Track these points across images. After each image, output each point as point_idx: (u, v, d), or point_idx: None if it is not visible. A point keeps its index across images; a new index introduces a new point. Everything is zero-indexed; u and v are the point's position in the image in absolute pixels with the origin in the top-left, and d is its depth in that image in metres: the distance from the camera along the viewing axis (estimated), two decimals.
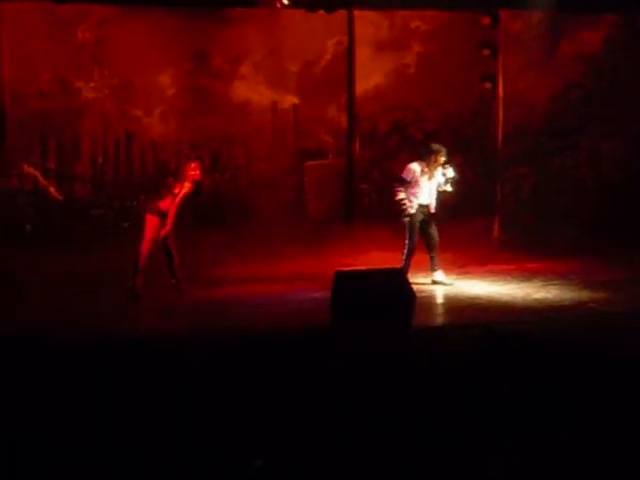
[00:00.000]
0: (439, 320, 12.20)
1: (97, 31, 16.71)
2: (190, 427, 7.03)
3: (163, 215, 12.72)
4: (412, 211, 13.63)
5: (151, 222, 12.83)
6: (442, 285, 13.81)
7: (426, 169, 13.65)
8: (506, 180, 18.08)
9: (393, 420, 7.09)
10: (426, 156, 13.72)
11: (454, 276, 14.31)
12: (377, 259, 13.77)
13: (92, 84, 16.94)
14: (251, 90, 17.46)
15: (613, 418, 7.11)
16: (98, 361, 8.99)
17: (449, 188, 13.71)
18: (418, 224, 13.70)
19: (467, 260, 14.46)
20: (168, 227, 12.68)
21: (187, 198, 12.82)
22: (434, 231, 13.83)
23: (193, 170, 12.81)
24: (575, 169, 18.48)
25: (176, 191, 12.70)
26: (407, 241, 13.71)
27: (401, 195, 13.61)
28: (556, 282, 13.88)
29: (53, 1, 16.12)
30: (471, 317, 11.91)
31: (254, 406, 7.48)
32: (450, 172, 13.63)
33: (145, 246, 12.84)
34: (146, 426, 7.08)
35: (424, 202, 13.71)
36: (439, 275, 13.94)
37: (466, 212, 14.72)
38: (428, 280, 13.85)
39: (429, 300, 13.07)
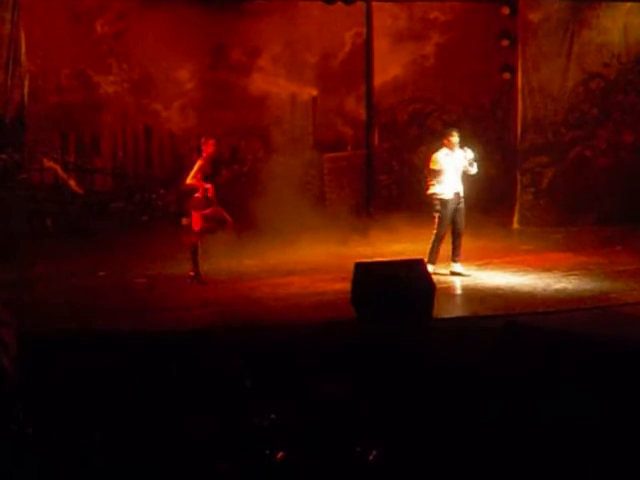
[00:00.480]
0: (460, 311, 12.21)
1: (116, 25, 16.74)
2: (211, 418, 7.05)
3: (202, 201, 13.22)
4: (445, 197, 13.67)
5: (195, 217, 13.22)
6: (460, 276, 13.80)
7: (448, 152, 13.74)
8: (525, 171, 18.01)
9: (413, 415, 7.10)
10: (441, 142, 13.91)
11: (475, 267, 14.30)
12: (397, 250, 13.76)
13: (111, 78, 16.98)
14: (270, 82, 17.46)
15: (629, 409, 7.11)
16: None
17: (473, 169, 13.75)
18: (450, 213, 13.74)
19: (487, 251, 14.42)
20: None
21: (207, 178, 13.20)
22: (462, 220, 13.88)
23: (204, 144, 13.22)
24: (595, 159, 18.38)
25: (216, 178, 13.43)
26: (436, 229, 13.74)
27: (433, 189, 13.71)
28: (576, 273, 13.86)
29: None
30: (492, 308, 11.93)
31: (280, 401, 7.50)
32: (469, 153, 13.71)
33: (194, 238, 13.27)
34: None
35: (456, 189, 13.77)
36: (458, 267, 13.94)
37: (486, 203, 14.68)
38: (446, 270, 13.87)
39: (449, 291, 13.08)
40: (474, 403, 7.39)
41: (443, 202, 13.68)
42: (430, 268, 13.45)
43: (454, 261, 13.94)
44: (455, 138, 13.76)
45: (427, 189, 13.84)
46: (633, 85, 18.20)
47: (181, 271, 13.81)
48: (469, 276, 13.81)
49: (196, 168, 13.22)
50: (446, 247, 13.87)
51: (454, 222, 13.85)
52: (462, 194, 13.86)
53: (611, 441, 6.52)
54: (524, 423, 6.92)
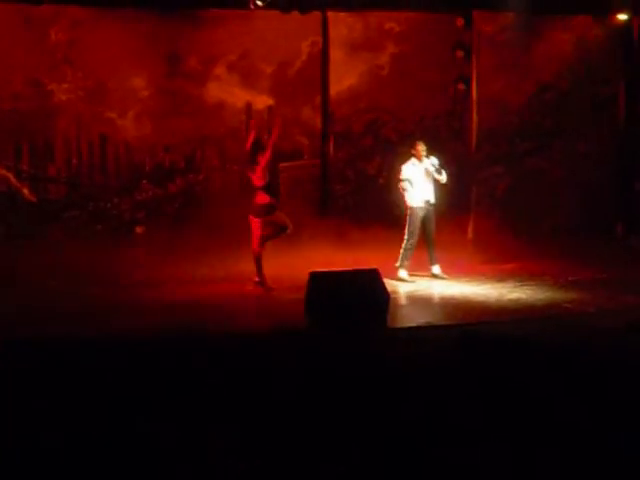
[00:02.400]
0: (414, 320, 12.21)
1: (70, 33, 16.60)
2: (170, 430, 7.01)
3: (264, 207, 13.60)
4: (414, 205, 14.23)
5: (255, 223, 13.58)
6: (440, 279, 14.27)
7: (416, 162, 14.31)
8: (480, 181, 18.13)
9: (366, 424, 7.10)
10: (410, 152, 14.46)
11: (429, 277, 14.37)
12: (352, 260, 13.75)
13: (65, 86, 16.84)
14: (225, 91, 17.40)
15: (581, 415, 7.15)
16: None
17: (442, 177, 14.36)
18: (419, 220, 14.10)
19: (442, 261, 14.47)
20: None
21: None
22: (432, 226, 14.40)
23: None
24: (549, 170, 18.52)
25: (259, 159, 13.59)
26: (406, 237, 14.05)
27: (407, 195, 14.30)
28: (530, 282, 13.95)
29: (31, 3, 16.01)
30: (446, 317, 11.97)
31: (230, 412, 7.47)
32: (434, 160, 14.30)
33: (257, 243, 13.60)
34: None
35: (426, 198, 14.31)
36: (436, 268, 14.43)
37: (441, 213, 14.71)
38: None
39: (404, 301, 13.12)
40: (427, 411, 7.41)
41: (412, 210, 14.02)
42: (402, 273, 13.78)
43: (432, 264, 14.43)
44: (422, 147, 14.37)
45: (403, 196, 14.38)
46: (586, 96, 18.36)
47: (134, 278, 13.77)
48: (447, 279, 14.22)
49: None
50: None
51: (425, 229, 14.33)
52: (432, 202, 14.34)
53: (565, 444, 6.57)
54: (479, 429, 6.94)
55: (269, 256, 14.19)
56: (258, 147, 13.79)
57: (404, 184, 14.24)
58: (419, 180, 14.29)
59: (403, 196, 14.35)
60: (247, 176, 13.99)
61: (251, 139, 13.94)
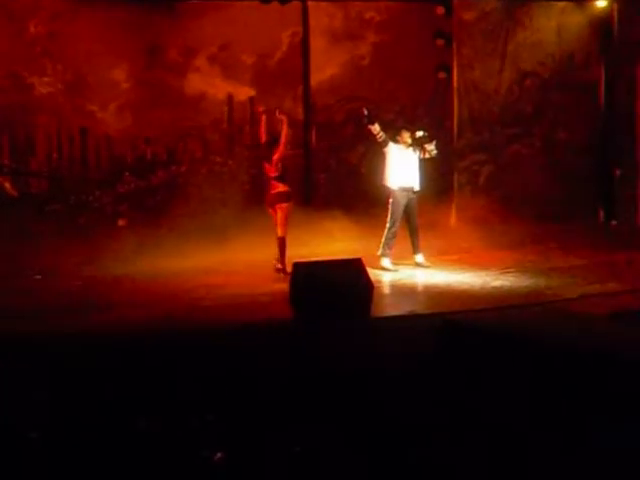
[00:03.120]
0: (398, 309, 12.22)
1: (50, 25, 16.53)
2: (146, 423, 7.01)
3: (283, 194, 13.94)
4: (394, 188, 14.15)
5: (281, 209, 13.88)
6: (423, 267, 14.22)
7: (401, 148, 14.21)
8: (462, 169, 18.15)
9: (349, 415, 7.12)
10: (395, 137, 14.36)
11: (412, 265, 14.38)
12: (335, 250, 13.78)
13: (45, 79, 16.78)
14: (206, 83, 17.37)
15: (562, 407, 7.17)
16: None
17: (433, 147, 14.35)
18: (402, 208, 13.96)
19: (425, 249, 14.48)
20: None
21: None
22: (414, 214, 14.31)
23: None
24: (531, 157, 18.56)
25: (275, 157, 13.94)
26: (388, 224, 13.98)
27: (385, 181, 14.31)
28: (513, 270, 13.99)
29: None
30: (430, 306, 11.99)
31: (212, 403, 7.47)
32: (421, 133, 14.30)
33: (283, 229, 13.96)
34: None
35: (408, 184, 14.14)
36: (420, 257, 14.38)
37: (423, 201, 14.71)
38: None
39: (388, 290, 13.14)
40: (412, 402, 7.42)
41: (394, 196, 13.96)
42: (385, 262, 13.75)
43: (416, 253, 14.37)
44: (406, 134, 14.26)
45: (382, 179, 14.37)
46: (567, 83, 18.40)
47: (117, 272, 13.77)
48: (429, 267, 14.24)
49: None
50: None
51: (408, 217, 14.25)
52: (416, 189, 14.24)
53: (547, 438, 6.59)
54: (462, 421, 6.96)
55: (252, 245, 14.24)
56: (272, 139, 14.09)
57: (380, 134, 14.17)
58: (401, 164, 14.14)
59: (382, 177, 14.31)
60: (263, 166, 14.32)
61: (264, 132, 14.21)
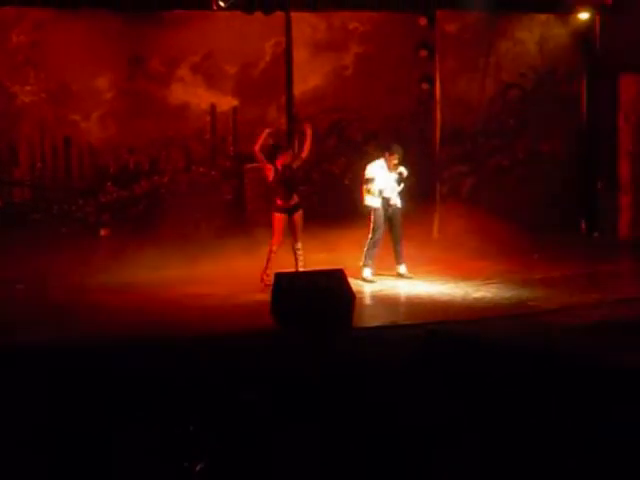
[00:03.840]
0: (380, 320, 12.23)
1: (32, 34, 16.50)
2: (128, 434, 6.99)
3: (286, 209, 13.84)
4: (377, 205, 14.12)
5: (277, 219, 13.82)
6: (406, 278, 14.23)
7: (384, 166, 14.17)
8: (445, 180, 18.20)
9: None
10: (383, 153, 14.31)
11: (394, 276, 14.40)
12: (317, 260, 13.76)
13: (28, 88, 16.75)
14: (189, 93, 17.37)
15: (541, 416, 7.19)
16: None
17: (398, 186, 14.23)
18: (383, 218, 14.01)
19: (407, 259, 14.50)
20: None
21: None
22: (398, 226, 14.35)
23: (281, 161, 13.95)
24: (513, 168, 18.63)
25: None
26: (370, 235, 14.03)
27: (365, 199, 14.23)
28: (495, 281, 14.01)
29: None
30: (412, 317, 12.00)
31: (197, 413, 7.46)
32: (401, 171, 14.20)
33: (275, 240, 13.75)
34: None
35: (387, 195, 14.18)
36: (402, 268, 14.38)
37: (405, 212, 14.73)
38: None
39: (369, 300, 13.15)
40: (393, 411, 7.43)
41: (375, 211, 13.99)
42: (367, 273, 13.77)
43: (398, 263, 14.39)
44: (395, 159, 14.17)
45: (362, 199, 14.31)
46: (549, 95, 18.47)
47: (99, 281, 13.75)
48: (411, 278, 14.23)
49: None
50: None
51: (391, 228, 14.33)
52: (399, 205, 14.31)
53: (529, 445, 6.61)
54: (441, 430, 6.97)
55: (234, 255, 14.25)
56: (275, 147, 14.32)
57: (370, 186, 14.13)
58: (384, 184, 14.18)
59: (363, 197, 14.31)
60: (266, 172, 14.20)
61: (260, 143, 14.06)
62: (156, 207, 17.14)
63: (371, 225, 14.16)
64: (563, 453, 6.46)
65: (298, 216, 13.81)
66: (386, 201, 14.16)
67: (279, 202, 13.80)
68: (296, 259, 13.63)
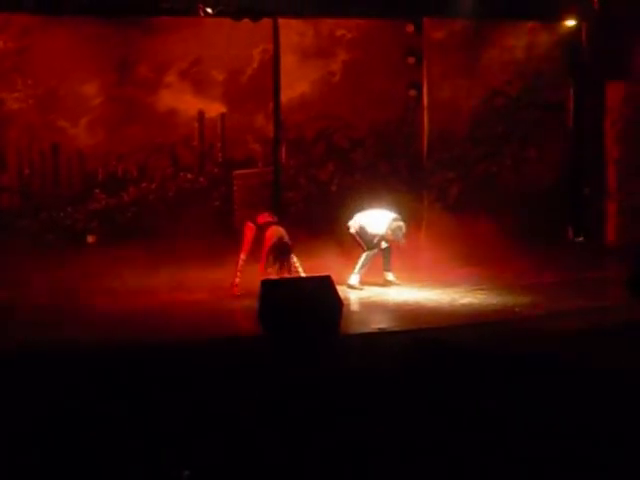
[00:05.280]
0: (366, 327, 12.24)
1: (19, 40, 16.46)
2: (115, 439, 7.00)
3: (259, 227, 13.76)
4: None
5: (249, 228, 13.83)
6: (393, 285, 14.36)
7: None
8: (432, 186, 18.24)
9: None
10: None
11: (381, 283, 14.43)
12: (304, 267, 13.78)
13: (16, 94, 16.72)
14: (177, 99, 17.36)
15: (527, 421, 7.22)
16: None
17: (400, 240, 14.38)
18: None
19: (394, 266, 14.53)
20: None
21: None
22: None
23: (269, 238, 13.55)
24: (500, 175, 18.68)
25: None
26: (366, 248, 14.12)
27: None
28: (482, 287, 14.05)
29: None
30: (399, 323, 12.02)
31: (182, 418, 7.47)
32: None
33: (243, 249, 13.76)
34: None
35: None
36: (390, 275, 14.49)
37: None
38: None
39: (356, 307, 13.17)
40: (380, 417, 7.45)
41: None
42: (354, 279, 13.81)
43: (386, 270, 14.49)
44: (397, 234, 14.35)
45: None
46: (536, 102, 18.53)
47: (87, 288, 13.73)
48: (400, 285, 14.32)
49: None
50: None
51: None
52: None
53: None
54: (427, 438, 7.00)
55: (221, 264, 14.26)
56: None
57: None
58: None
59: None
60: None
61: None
62: (144, 214, 17.13)
63: (367, 242, 14.26)
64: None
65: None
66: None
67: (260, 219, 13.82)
68: (296, 272, 13.60)
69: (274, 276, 12.90)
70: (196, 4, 15.92)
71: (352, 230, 14.41)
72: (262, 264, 13.40)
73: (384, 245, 14.35)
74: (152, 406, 7.83)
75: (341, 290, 12.41)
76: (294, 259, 13.52)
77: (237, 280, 13.48)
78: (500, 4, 17.65)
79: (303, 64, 17.73)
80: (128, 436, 7.10)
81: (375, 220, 14.42)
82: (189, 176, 17.49)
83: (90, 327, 11.78)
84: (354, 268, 14.25)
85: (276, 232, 13.62)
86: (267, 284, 11.40)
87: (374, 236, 14.30)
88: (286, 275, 13.24)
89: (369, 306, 13.30)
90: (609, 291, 14.01)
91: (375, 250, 14.28)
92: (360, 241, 14.33)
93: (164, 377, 8.79)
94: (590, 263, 16.30)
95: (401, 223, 14.35)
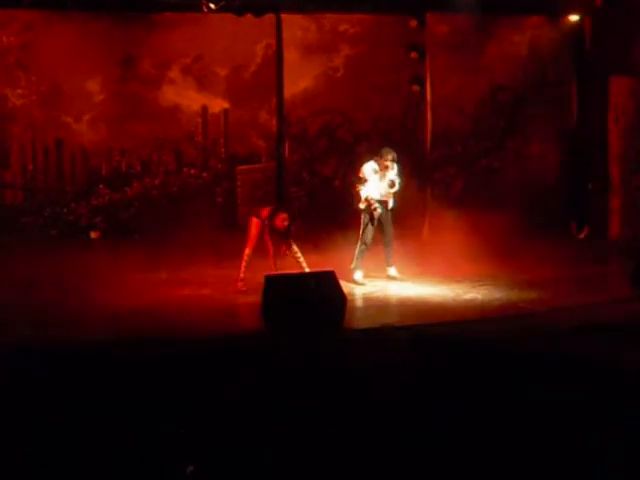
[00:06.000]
0: (371, 322, 12.23)
1: (23, 36, 16.54)
2: (120, 435, 7.01)
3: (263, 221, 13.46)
4: (379, 210, 13.95)
5: (254, 223, 13.46)
6: (396, 280, 14.16)
7: (377, 168, 13.96)
8: (435, 181, 18.23)
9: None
10: (376, 157, 14.09)
11: (385, 278, 14.41)
12: (307, 262, 13.77)
13: (19, 90, 16.78)
14: (180, 95, 17.41)
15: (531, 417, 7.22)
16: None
17: (390, 189, 14.05)
18: (375, 221, 13.95)
19: (397, 261, 14.52)
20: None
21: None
22: (389, 228, 14.22)
23: (281, 221, 13.27)
24: (504, 170, 18.66)
25: (266, 222, 13.34)
26: (360, 236, 13.98)
27: (362, 193, 13.97)
28: (486, 282, 14.02)
29: None
30: (403, 318, 12.00)
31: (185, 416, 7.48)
32: (392, 175, 14.00)
33: (249, 244, 13.43)
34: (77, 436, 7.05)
35: (379, 198, 14.03)
36: (392, 270, 14.32)
37: (396, 213, 14.74)
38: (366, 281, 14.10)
39: (360, 302, 13.15)
40: (383, 413, 7.45)
41: (368, 211, 13.94)
42: (357, 275, 13.74)
43: (388, 265, 14.33)
44: (389, 160, 14.00)
45: (358, 200, 14.10)
46: (540, 97, 18.51)
47: (90, 284, 13.72)
48: (404, 280, 14.16)
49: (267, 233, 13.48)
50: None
51: (382, 231, 14.20)
52: (391, 205, 14.15)
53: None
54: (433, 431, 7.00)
55: (225, 259, 14.24)
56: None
57: (361, 187, 14.07)
58: (376, 183, 14.12)
59: (358, 196, 14.21)
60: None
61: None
62: (147, 209, 17.15)
63: (362, 228, 14.10)
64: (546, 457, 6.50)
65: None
66: (382, 204, 14.07)
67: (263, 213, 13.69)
68: (298, 263, 13.53)
69: (280, 269, 12.93)
70: (199, 0, 15.93)
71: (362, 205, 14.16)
72: (270, 253, 13.37)
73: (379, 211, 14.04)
74: (154, 402, 7.83)
75: (345, 286, 12.41)
76: (298, 254, 13.47)
77: (242, 275, 13.47)
78: None
79: (306, 59, 17.76)
80: (131, 432, 7.10)
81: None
82: (192, 171, 17.54)
83: (94, 322, 11.77)
84: (351, 263, 14.08)
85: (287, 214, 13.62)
86: (271, 279, 11.39)
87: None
88: (287, 254, 13.28)
89: (373, 301, 13.26)
90: (613, 286, 13.98)
91: (366, 239, 14.07)
92: (362, 220, 14.12)
93: (166, 373, 8.78)
94: (594, 258, 16.28)
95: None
